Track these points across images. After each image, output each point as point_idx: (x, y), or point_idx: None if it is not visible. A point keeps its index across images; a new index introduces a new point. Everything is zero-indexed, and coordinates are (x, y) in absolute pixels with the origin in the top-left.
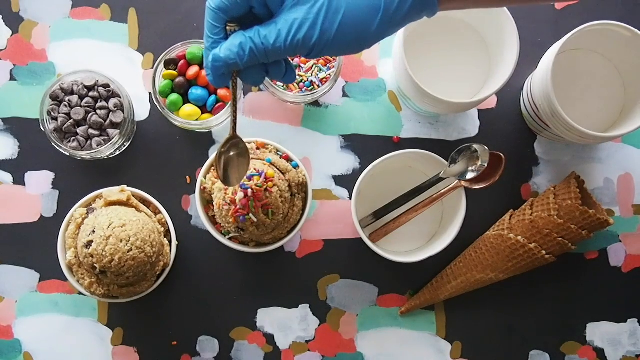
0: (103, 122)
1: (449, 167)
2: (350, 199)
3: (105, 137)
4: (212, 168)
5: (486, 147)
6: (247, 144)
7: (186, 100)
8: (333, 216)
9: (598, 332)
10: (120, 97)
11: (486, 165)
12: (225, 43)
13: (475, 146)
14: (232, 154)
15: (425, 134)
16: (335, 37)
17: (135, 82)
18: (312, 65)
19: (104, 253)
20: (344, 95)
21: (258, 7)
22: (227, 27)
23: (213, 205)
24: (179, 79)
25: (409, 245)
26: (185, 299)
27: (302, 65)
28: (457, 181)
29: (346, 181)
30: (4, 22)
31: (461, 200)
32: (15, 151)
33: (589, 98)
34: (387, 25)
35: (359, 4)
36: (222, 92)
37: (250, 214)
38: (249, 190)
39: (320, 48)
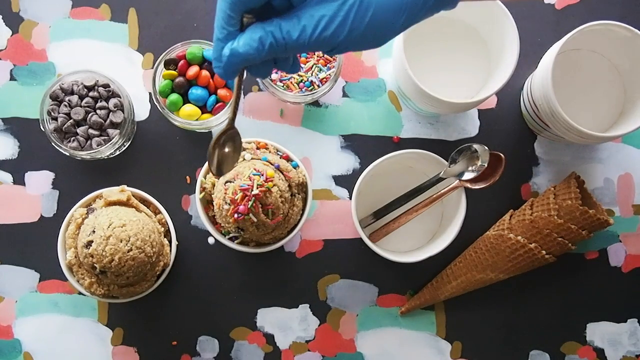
0: (103, 122)
1: (449, 167)
2: (350, 199)
3: (105, 137)
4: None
5: (486, 147)
6: (247, 144)
7: (186, 100)
8: (333, 216)
9: (598, 332)
10: (120, 97)
11: (486, 165)
12: (243, 37)
13: (475, 146)
14: (227, 149)
15: (425, 134)
16: (362, 35)
17: (135, 82)
18: (312, 65)
19: (104, 253)
20: (344, 95)
21: None
22: (244, 19)
23: (213, 205)
24: (179, 79)
25: (409, 245)
26: (185, 299)
27: (302, 65)
28: (457, 181)
29: (346, 181)
30: (4, 22)
31: (461, 200)
32: (15, 151)
33: (589, 98)
34: (411, 21)
35: (387, 1)
36: (222, 92)
37: (250, 214)
38: (249, 190)
39: (344, 46)
